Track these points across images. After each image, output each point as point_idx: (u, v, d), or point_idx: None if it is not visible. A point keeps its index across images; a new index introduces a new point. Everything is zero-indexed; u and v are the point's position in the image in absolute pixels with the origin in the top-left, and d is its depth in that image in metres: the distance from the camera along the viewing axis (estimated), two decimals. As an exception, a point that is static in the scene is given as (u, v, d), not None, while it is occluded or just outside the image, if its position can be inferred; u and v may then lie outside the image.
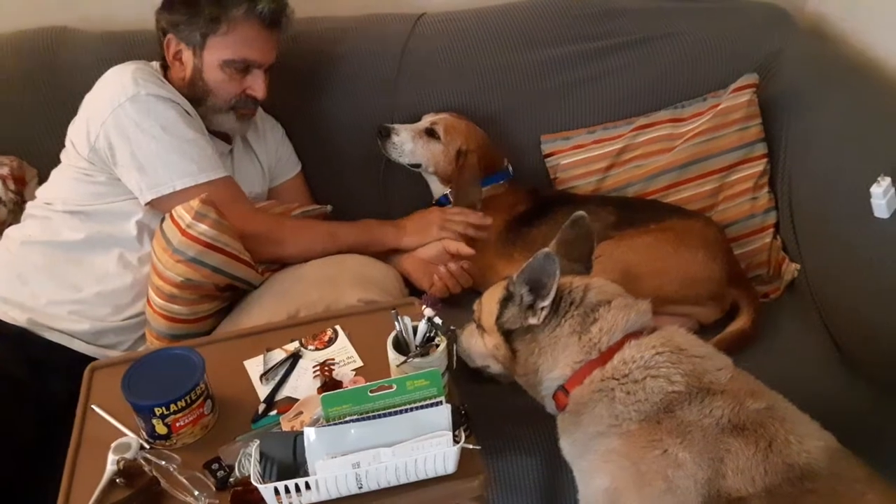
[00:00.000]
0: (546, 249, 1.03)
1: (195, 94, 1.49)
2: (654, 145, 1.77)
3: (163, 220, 1.37)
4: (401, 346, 1.10)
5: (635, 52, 1.83)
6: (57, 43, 1.73)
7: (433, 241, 1.56)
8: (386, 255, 1.59)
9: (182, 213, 1.31)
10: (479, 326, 1.17)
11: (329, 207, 1.72)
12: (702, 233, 1.56)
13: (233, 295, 1.43)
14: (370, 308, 1.34)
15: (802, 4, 1.99)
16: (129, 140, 1.37)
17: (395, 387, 1.00)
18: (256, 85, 1.52)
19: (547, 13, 1.85)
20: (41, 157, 1.67)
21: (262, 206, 1.59)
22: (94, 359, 1.30)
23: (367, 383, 1.02)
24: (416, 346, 1.09)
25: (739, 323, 1.49)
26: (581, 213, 1.18)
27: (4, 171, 1.61)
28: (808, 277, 1.60)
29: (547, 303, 1.06)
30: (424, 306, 1.11)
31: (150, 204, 1.40)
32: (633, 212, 1.63)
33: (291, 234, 1.50)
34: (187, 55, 1.49)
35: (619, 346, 1.06)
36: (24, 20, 1.75)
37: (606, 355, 1.06)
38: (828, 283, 1.54)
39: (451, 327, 1.12)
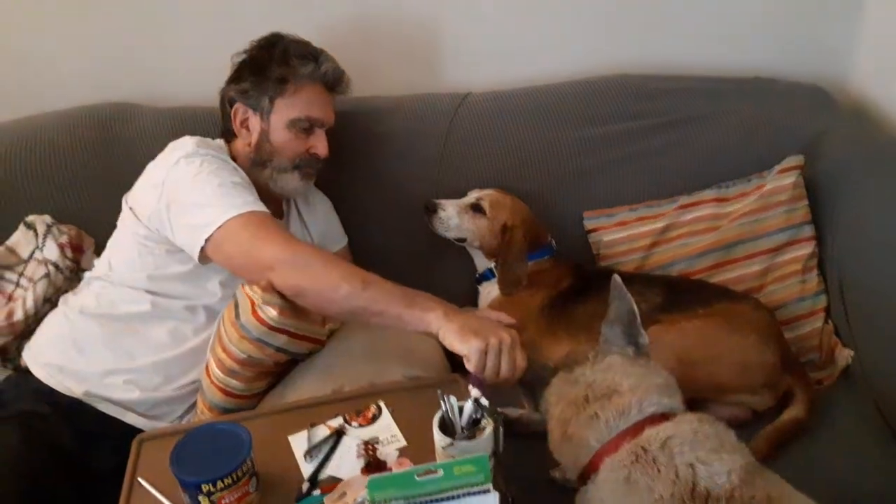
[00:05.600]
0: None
1: (261, 157, 1.55)
2: (699, 224, 1.77)
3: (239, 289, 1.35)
4: (446, 426, 1.08)
5: (678, 132, 1.84)
6: (115, 117, 1.79)
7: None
8: None
9: (256, 290, 1.31)
10: None
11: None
12: (753, 316, 1.53)
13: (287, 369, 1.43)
14: (414, 384, 1.34)
15: (843, 85, 2.00)
16: (180, 189, 1.39)
17: (441, 472, 0.98)
18: (320, 144, 1.60)
19: (590, 93, 1.88)
20: (98, 226, 1.70)
21: None
22: (141, 430, 1.31)
23: (414, 467, 1.01)
24: (462, 429, 1.08)
25: (794, 411, 1.43)
26: (614, 275, 1.17)
27: (63, 239, 1.66)
28: (862, 364, 1.55)
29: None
30: (471, 386, 1.10)
31: (203, 251, 1.35)
32: (681, 293, 1.60)
33: (321, 267, 1.30)
34: (254, 121, 1.57)
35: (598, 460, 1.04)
36: (83, 97, 1.84)
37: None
38: (883, 371, 1.49)
39: (498, 409, 1.10)
